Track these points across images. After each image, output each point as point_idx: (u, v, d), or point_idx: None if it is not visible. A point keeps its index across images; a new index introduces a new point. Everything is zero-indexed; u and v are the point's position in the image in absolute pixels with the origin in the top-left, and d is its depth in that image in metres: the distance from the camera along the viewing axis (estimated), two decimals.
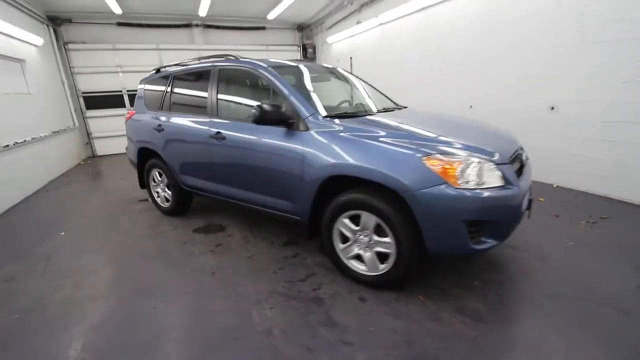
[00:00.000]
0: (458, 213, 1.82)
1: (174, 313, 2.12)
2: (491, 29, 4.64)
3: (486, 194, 1.82)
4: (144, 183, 4.07)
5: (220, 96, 2.97)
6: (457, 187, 1.81)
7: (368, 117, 2.55)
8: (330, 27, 8.66)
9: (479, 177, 1.84)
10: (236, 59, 3.01)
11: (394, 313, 2.01)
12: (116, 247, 3.14)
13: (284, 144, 2.41)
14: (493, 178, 1.87)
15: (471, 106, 5.14)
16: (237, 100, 3.01)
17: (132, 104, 6.64)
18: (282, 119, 2.38)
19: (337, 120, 2.34)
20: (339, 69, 3.49)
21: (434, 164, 1.85)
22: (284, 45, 9.76)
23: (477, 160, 1.86)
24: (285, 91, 2.50)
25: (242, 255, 2.83)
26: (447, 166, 1.83)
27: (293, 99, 2.44)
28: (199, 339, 1.88)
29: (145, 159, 3.85)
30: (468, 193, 1.80)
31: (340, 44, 8.48)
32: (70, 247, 3.18)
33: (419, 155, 1.90)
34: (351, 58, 8.08)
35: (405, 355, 1.69)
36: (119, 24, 7.93)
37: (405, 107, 3.26)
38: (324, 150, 2.22)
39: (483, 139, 2.26)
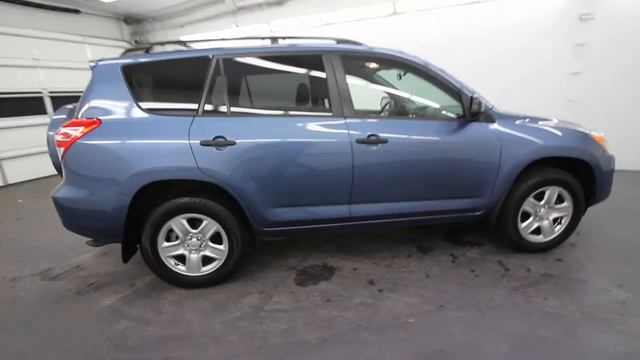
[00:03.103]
0: (612, 170, 2.58)
1: None
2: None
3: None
4: (130, 253, 2.25)
5: (352, 89, 2.24)
6: (607, 152, 2.57)
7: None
8: (184, 26, 7.30)
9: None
10: (358, 44, 2.39)
11: None
12: None
13: (479, 138, 2.31)
14: None
15: None
16: (392, 95, 2.38)
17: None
18: (479, 112, 2.25)
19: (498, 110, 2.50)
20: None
21: (596, 138, 2.52)
22: (104, 39, 7.16)
23: (603, 134, 2.69)
24: (457, 84, 2.35)
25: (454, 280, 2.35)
26: (601, 140, 2.56)
27: (468, 92, 2.35)
28: None
29: (150, 204, 2.14)
30: (610, 154, 2.60)
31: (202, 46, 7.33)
32: None
33: (586, 132, 2.51)
34: None
35: None
36: None
37: None
38: (520, 137, 2.37)
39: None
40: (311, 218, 2.31)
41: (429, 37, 5.44)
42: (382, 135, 2.21)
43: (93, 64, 2.16)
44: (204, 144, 2.07)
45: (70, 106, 2.57)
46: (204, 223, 2.21)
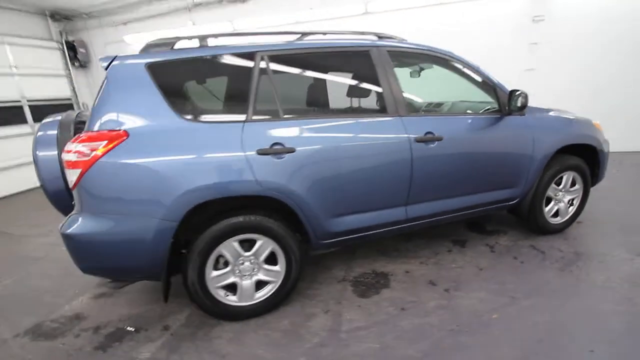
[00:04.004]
0: (608, 153, 2.90)
1: None
2: None
3: None
4: (168, 290, 1.87)
5: (402, 87, 2.14)
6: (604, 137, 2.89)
7: None
8: (128, 24, 6.44)
9: None
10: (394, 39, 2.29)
11: None
12: None
13: (517, 130, 2.41)
14: None
15: None
16: (442, 90, 2.30)
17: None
18: (525, 106, 2.32)
19: None
20: None
21: (597, 125, 2.82)
22: (28, 39, 5.96)
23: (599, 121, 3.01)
24: (493, 80, 2.41)
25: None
26: (599, 126, 2.86)
27: (503, 86, 2.43)
28: None
29: (192, 229, 1.79)
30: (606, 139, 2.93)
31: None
32: None
33: (590, 119, 2.79)
34: None
35: None
36: None
37: None
38: (547, 128, 2.54)
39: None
40: (369, 225, 2.17)
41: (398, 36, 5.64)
42: (437, 132, 2.17)
43: (106, 62, 1.73)
44: (262, 153, 1.79)
45: (58, 117, 2.05)
46: (259, 243, 1.93)
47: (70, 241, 1.67)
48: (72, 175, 1.63)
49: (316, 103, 2.17)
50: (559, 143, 2.56)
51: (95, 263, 1.75)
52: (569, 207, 2.83)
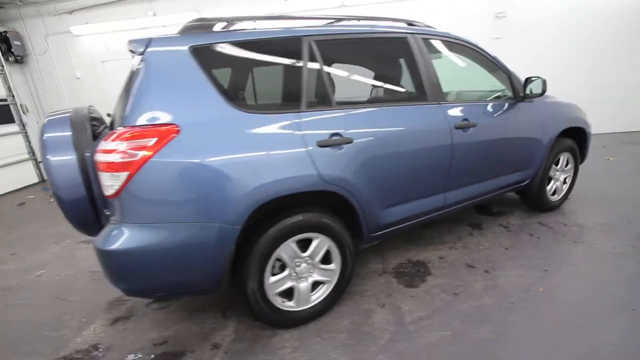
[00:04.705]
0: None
1: None
2: None
3: None
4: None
5: (436, 74, 2.14)
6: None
7: None
8: (73, 12, 5.65)
9: None
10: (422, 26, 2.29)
11: None
12: None
13: (532, 115, 2.58)
14: None
15: None
16: (468, 78, 2.32)
17: None
18: (544, 92, 2.50)
19: None
20: None
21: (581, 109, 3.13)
22: None
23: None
24: (508, 68, 2.53)
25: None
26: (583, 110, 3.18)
27: (515, 74, 2.57)
28: None
29: (251, 231, 1.62)
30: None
31: (100, 38, 5.84)
32: None
33: (577, 105, 3.08)
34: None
35: None
36: None
37: None
38: (552, 113, 2.76)
39: None
40: (413, 214, 2.17)
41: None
42: (471, 119, 2.23)
43: (141, 46, 1.47)
44: (322, 144, 1.68)
45: (62, 115, 1.71)
46: (315, 242, 1.81)
47: (115, 258, 1.40)
48: (114, 180, 1.37)
49: (364, 90, 2.10)
50: (561, 126, 2.80)
51: (143, 281, 1.49)
52: (564, 185, 3.11)
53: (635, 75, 5.70)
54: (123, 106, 1.51)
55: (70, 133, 1.59)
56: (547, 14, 5.54)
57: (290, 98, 1.73)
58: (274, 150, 1.58)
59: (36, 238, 3.59)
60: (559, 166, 2.99)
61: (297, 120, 1.67)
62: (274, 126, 1.62)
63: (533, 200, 3.00)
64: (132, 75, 1.51)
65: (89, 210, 1.62)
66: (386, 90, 2.20)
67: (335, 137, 1.72)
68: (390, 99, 2.18)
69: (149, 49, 1.48)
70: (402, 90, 2.14)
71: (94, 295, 2.39)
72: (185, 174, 1.42)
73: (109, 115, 1.96)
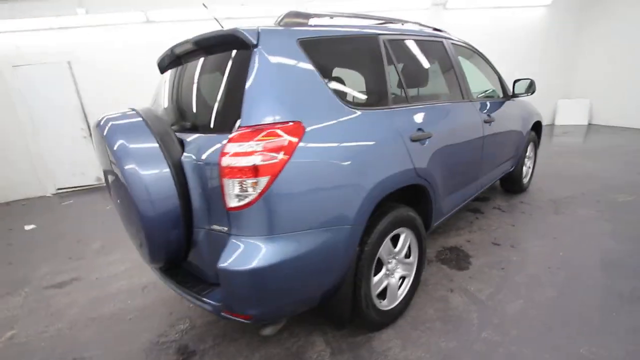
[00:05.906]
0: None
1: None
2: None
3: None
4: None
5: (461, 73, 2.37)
6: None
7: None
8: None
9: None
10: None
11: None
12: None
13: (516, 111, 3.03)
14: None
15: None
16: (476, 78, 2.56)
17: None
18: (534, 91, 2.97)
19: None
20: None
21: None
22: None
23: None
24: (498, 71, 2.94)
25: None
26: None
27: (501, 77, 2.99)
28: None
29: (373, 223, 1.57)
30: None
31: (24, 36, 4.72)
32: None
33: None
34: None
35: None
36: None
37: None
38: (526, 109, 3.31)
39: None
40: (460, 201, 2.35)
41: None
42: (491, 114, 2.54)
43: (253, 37, 1.29)
44: (414, 139, 1.72)
45: (123, 120, 1.37)
46: (403, 237, 1.83)
47: (254, 278, 1.19)
48: (249, 187, 1.17)
49: (427, 88, 2.20)
50: (533, 120, 3.38)
51: (279, 301, 1.30)
52: (529, 169, 3.73)
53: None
54: (195, 107, 1.36)
55: (155, 144, 1.29)
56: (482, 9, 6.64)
57: (378, 94, 1.72)
58: (385, 146, 1.57)
59: None
60: (527, 153, 3.58)
61: (391, 117, 1.68)
62: (379, 122, 1.60)
63: (512, 183, 3.52)
64: (233, 69, 1.33)
65: (176, 224, 1.34)
66: (439, 88, 2.36)
67: (420, 132, 1.78)
68: (442, 96, 2.35)
69: (264, 38, 1.32)
70: (448, 88, 2.32)
71: (120, 343, 1.93)
72: (319, 175, 1.30)
73: None
